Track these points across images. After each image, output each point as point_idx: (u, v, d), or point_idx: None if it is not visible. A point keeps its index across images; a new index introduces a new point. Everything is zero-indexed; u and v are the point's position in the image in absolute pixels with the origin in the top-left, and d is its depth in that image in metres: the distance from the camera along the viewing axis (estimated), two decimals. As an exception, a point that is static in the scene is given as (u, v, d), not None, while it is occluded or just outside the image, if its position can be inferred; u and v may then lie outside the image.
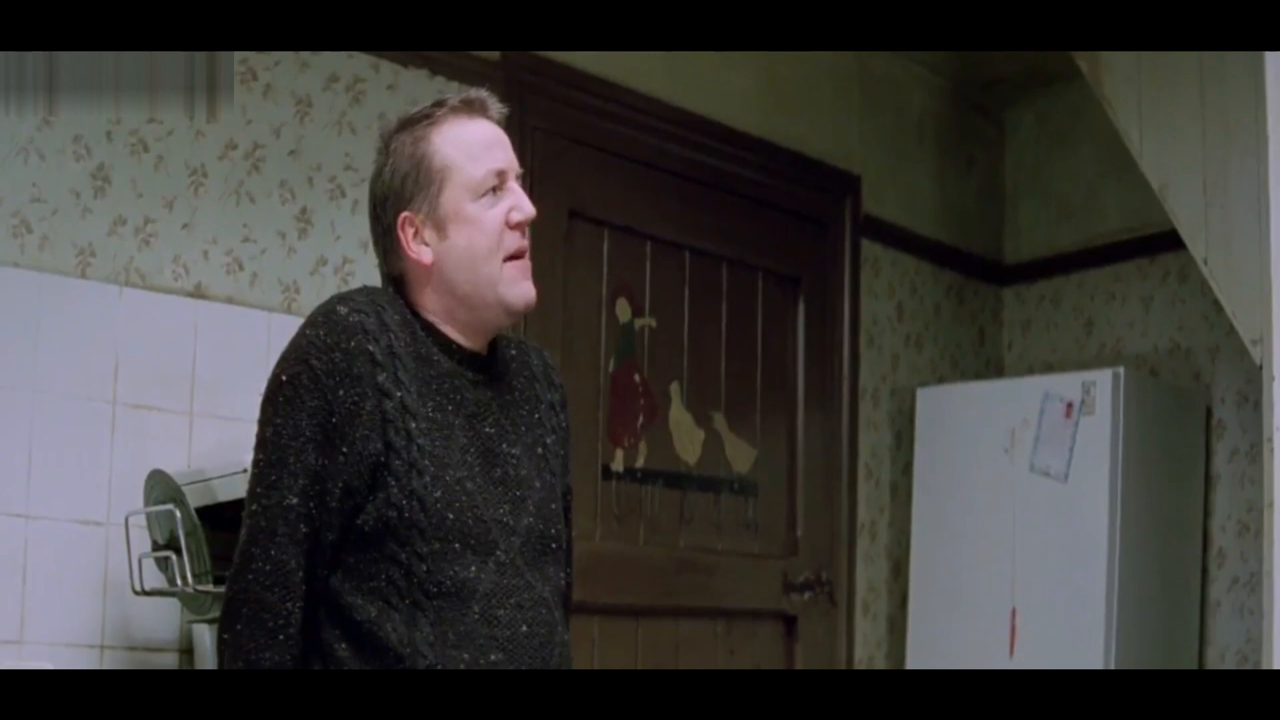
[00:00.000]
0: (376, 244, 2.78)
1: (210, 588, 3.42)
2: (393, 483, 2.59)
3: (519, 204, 2.75)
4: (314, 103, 4.20)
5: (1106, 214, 6.37)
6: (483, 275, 2.71)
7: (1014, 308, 6.67)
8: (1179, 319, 6.15)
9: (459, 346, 2.73)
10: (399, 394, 2.62)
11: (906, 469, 5.98)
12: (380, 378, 2.61)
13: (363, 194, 2.97)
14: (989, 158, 6.68)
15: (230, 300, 3.99)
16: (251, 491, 2.63)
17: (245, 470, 3.35)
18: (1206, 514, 5.94)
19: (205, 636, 3.64)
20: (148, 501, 3.56)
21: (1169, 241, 5.26)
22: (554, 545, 2.79)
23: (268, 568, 2.57)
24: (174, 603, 3.67)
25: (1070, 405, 5.45)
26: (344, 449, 2.58)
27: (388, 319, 2.65)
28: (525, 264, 2.77)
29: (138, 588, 3.53)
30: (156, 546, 3.54)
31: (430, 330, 2.71)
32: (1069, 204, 6.52)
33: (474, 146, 2.73)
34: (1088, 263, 6.42)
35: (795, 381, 5.60)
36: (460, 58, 4.48)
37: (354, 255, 4.22)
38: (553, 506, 2.81)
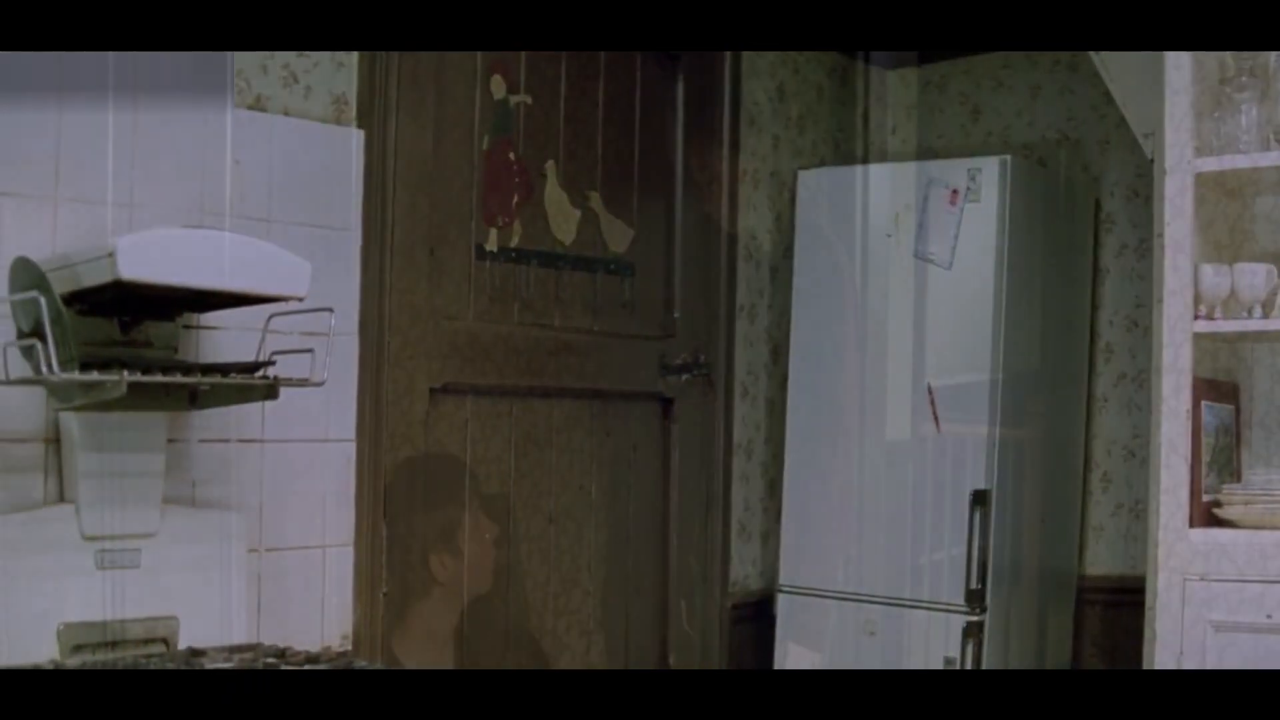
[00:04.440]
0: None
1: (76, 375, 3.31)
2: None
3: None
4: None
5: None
6: None
7: (899, 91, 6.56)
8: (1068, 109, 6.08)
9: None
10: None
11: (788, 252, 5.89)
12: None
13: None
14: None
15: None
16: None
17: (110, 255, 3.24)
18: (1094, 308, 5.94)
19: (72, 424, 3.57)
20: (12, 289, 3.45)
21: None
22: None
23: None
24: (41, 391, 3.56)
25: (955, 192, 5.38)
26: None
27: None
28: None
29: (3, 376, 3.42)
30: (21, 335, 3.44)
31: None
32: (958, -15, 6.41)
33: None
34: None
35: (674, 161, 5.49)
36: None
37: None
38: None
